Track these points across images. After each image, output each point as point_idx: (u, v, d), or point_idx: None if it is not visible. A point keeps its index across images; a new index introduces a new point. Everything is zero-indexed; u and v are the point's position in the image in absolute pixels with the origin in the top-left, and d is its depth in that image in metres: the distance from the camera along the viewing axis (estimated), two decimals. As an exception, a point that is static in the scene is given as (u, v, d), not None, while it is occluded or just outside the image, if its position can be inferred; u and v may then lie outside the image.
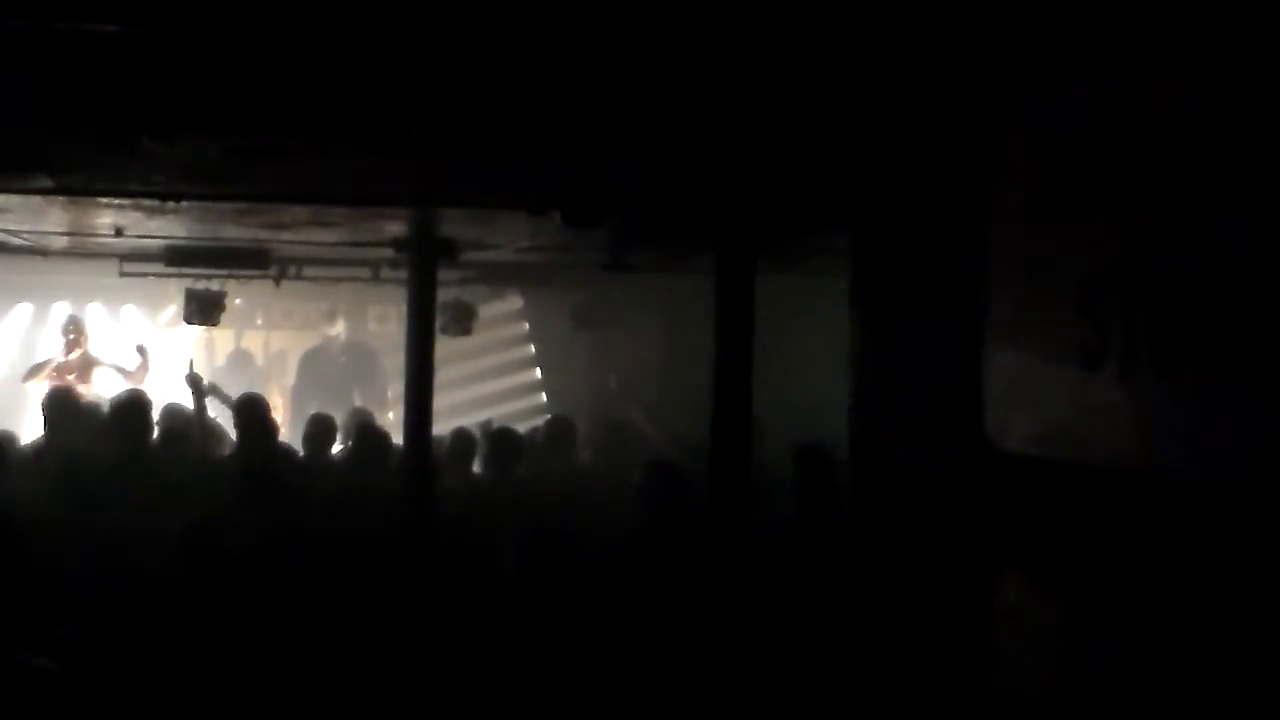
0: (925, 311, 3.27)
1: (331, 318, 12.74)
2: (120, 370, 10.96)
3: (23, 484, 7.30)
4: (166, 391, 10.74)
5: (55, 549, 6.15)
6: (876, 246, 3.43)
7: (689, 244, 7.24)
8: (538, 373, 12.94)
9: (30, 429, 9.54)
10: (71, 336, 10.99)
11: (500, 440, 8.26)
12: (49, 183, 5.79)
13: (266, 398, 9.33)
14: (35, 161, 5.35)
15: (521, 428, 9.56)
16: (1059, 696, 2.82)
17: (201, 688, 5.25)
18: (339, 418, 9.49)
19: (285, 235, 7.85)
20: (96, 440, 8.30)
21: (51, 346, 11.56)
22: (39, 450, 8.27)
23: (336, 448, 8.96)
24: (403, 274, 8.11)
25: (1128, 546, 2.59)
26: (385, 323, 12.87)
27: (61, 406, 8.45)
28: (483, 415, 11.02)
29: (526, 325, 12.95)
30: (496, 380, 13.14)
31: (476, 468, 8.43)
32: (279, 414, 10.61)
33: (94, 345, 11.29)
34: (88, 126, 4.54)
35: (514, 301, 12.72)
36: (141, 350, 10.92)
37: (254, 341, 13.89)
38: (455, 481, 8.07)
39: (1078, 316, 2.65)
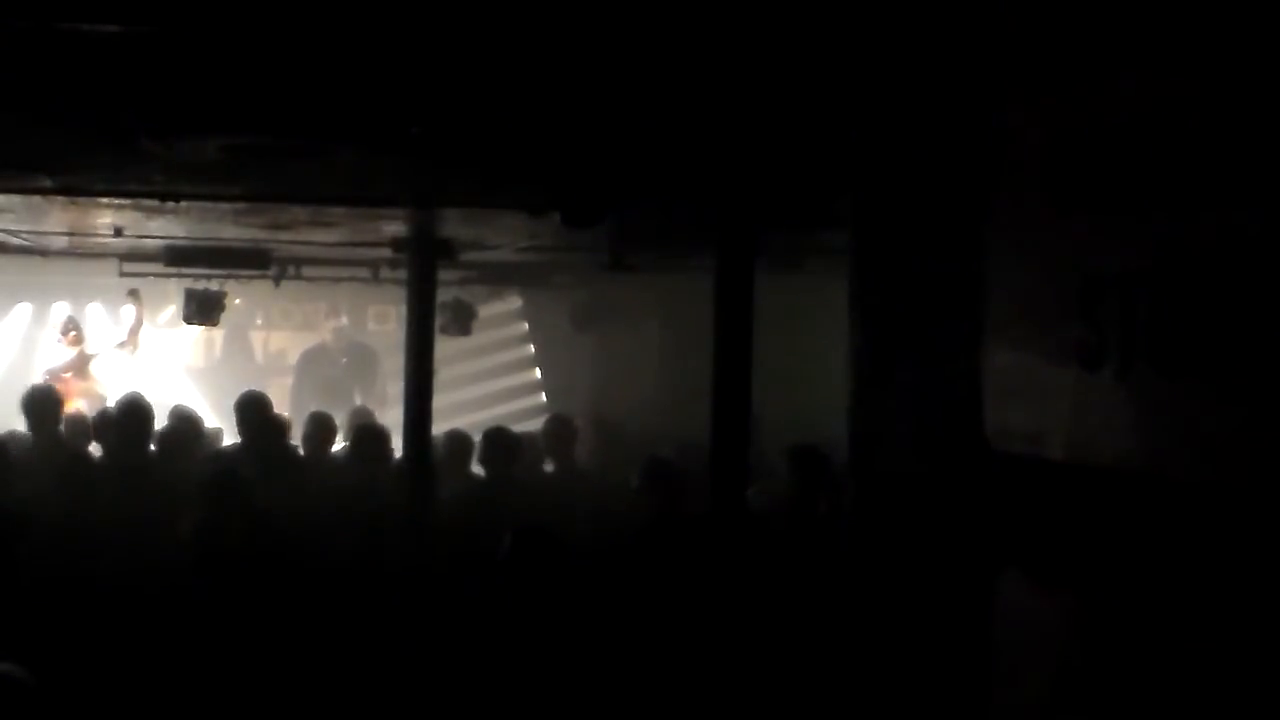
0: (925, 311, 3.27)
1: (331, 317, 12.74)
2: (117, 346, 10.96)
3: (23, 483, 7.30)
4: (163, 390, 10.79)
5: (55, 549, 6.16)
6: (876, 246, 3.43)
7: (689, 244, 7.24)
8: (537, 373, 12.94)
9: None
10: (73, 333, 10.99)
11: (496, 440, 8.25)
12: (49, 183, 5.79)
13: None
14: (35, 161, 5.35)
15: (521, 428, 9.55)
16: (1059, 696, 2.82)
17: (202, 684, 5.26)
18: (339, 417, 9.49)
19: (285, 235, 7.84)
20: (94, 439, 8.32)
21: (51, 348, 11.56)
22: (29, 450, 8.27)
23: (336, 447, 8.95)
24: (403, 274, 8.11)
25: (1128, 546, 2.59)
26: (385, 323, 12.87)
27: (42, 403, 8.43)
28: (482, 415, 11.02)
29: (526, 325, 12.95)
30: (496, 380, 13.14)
31: (474, 468, 8.43)
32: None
33: (90, 342, 11.29)
34: (88, 126, 4.54)
35: (513, 301, 12.72)
36: (133, 294, 10.68)
37: (254, 341, 13.89)
38: (454, 481, 8.07)
39: (1078, 316, 2.65)
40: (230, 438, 9.32)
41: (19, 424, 9.04)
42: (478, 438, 8.45)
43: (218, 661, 5.36)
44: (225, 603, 5.62)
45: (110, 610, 5.61)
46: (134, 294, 10.61)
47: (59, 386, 9.91)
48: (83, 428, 8.67)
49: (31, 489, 7.18)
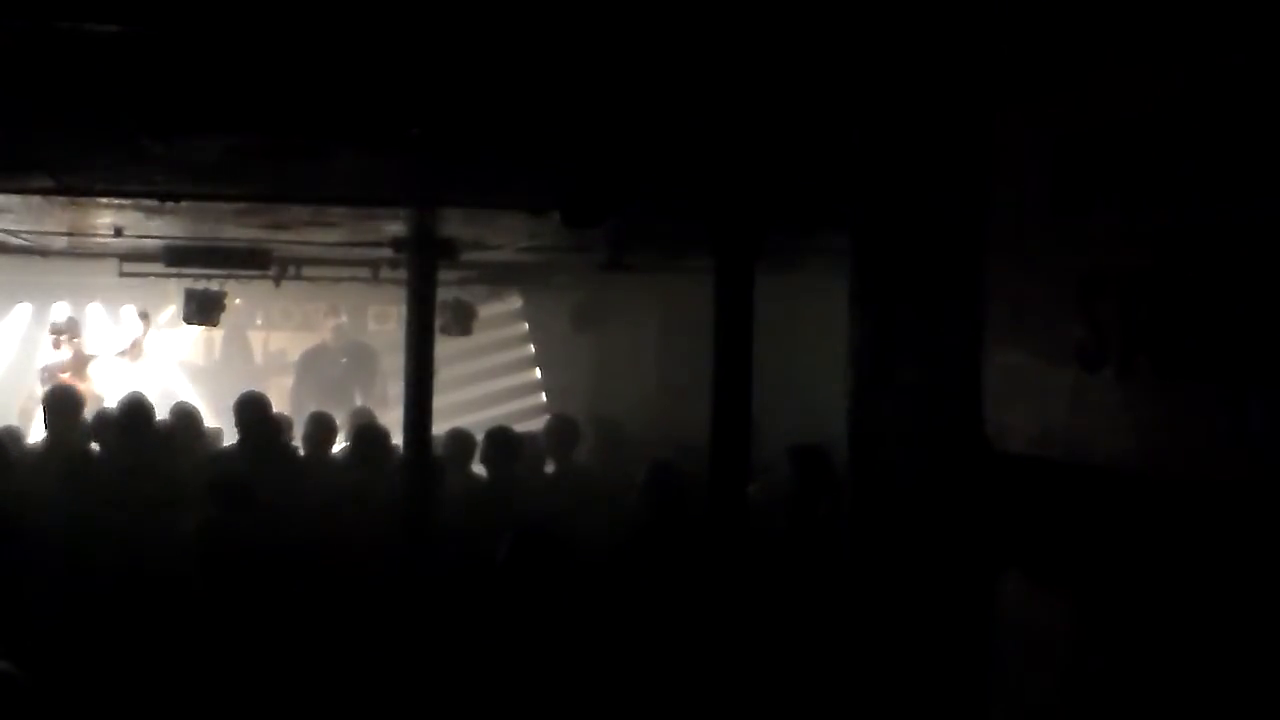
0: (925, 311, 3.27)
1: (331, 317, 12.74)
2: (119, 354, 10.99)
3: (25, 482, 7.30)
4: (163, 390, 10.79)
5: (56, 548, 6.16)
6: (876, 246, 3.43)
7: (689, 244, 7.24)
8: (538, 373, 12.94)
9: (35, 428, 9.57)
10: (57, 335, 11.01)
11: (498, 439, 8.25)
12: (49, 183, 5.79)
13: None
14: (35, 161, 5.35)
15: (521, 428, 9.56)
16: (1059, 697, 2.82)
17: (200, 685, 5.26)
18: (339, 417, 9.49)
19: (285, 235, 7.84)
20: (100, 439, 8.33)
21: (48, 348, 11.57)
22: (43, 449, 8.28)
23: (337, 447, 8.96)
24: (403, 274, 8.11)
25: (1128, 547, 2.59)
26: (385, 323, 12.88)
27: (61, 405, 8.45)
28: (483, 415, 11.02)
29: (526, 325, 12.96)
30: (496, 380, 13.14)
31: (475, 467, 8.43)
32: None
33: (89, 343, 11.30)
34: (88, 126, 4.54)
35: (514, 301, 12.72)
36: (144, 316, 10.88)
37: (254, 341, 13.90)
38: (454, 481, 8.07)
39: (1078, 316, 2.65)
40: (230, 438, 9.32)
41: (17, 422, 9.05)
42: (479, 437, 8.46)
43: (218, 661, 5.36)
44: (227, 603, 5.62)
45: (111, 609, 5.61)
46: (144, 316, 10.81)
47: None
48: (82, 428, 8.67)
49: (35, 488, 7.18)
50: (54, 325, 11.22)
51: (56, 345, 10.96)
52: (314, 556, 6.40)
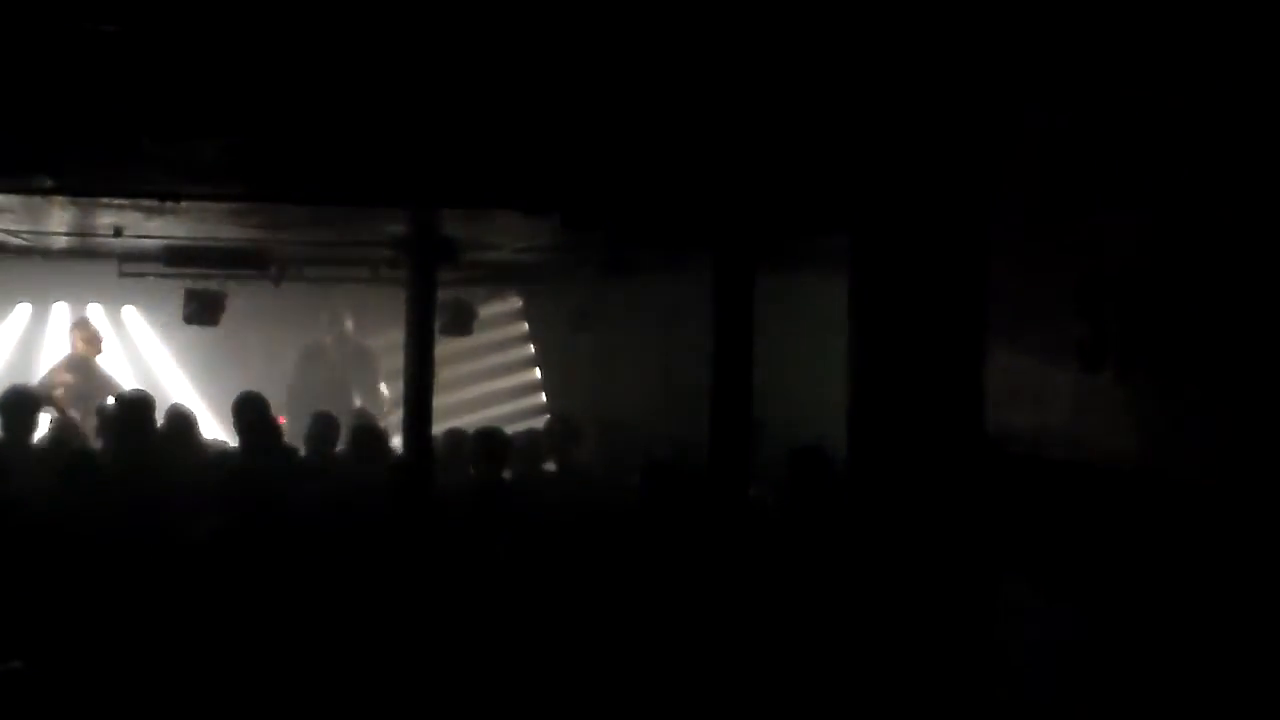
0: (925, 311, 3.27)
1: (332, 318, 12.72)
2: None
3: (24, 483, 7.29)
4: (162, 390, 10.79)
5: (56, 548, 6.16)
6: (876, 247, 3.44)
7: (689, 244, 7.24)
8: (538, 373, 12.94)
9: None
10: (84, 341, 10.95)
11: (484, 441, 8.24)
12: (49, 183, 5.80)
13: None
14: (35, 161, 5.36)
15: (521, 428, 9.55)
16: (1059, 695, 2.82)
17: (202, 683, 5.26)
18: (338, 417, 9.47)
19: (285, 235, 7.85)
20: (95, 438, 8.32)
21: (57, 348, 11.52)
22: (9, 451, 8.24)
23: (338, 447, 8.94)
24: (402, 274, 8.11)
25: (1127, 545, 2.60)
26: (385, 323, 12.85)
27: (17, 406, 8.36)
28: (483, 415, 11.01)
29: (526, 325, 12.95)
30: (496, 380, 13.13)
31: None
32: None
33: (105, 357, 11.24)
34: (88, 126, 4.54)
35: (513, 301, 12.71)
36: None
37: (254, 341, 13.86)
38: (454, 481, 8.06)
39: (1078, 316, 2.65)
40: (229, 438, 9.31)
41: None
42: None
43: (219, 661, 5.36)
44: (229, 603, 5.63)
45: (113, 608, 5.61)
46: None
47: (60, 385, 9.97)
48: (73, 431, 8.68)
49: (35, 489, 7.17)
50: (84, 334, 11.11)
51: (89, 352, 10.90)
52: (313, 557, 6.39)
